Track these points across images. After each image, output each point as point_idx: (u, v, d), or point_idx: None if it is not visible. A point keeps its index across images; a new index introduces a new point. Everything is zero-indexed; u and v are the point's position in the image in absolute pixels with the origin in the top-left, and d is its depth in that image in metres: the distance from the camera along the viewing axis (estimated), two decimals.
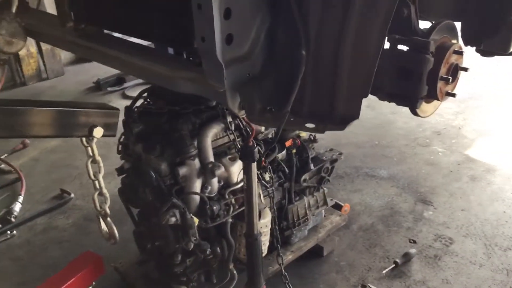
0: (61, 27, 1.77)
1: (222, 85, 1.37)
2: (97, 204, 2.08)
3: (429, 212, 3.32)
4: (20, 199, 3.69)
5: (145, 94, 2.35)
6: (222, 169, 2.12)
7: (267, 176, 2.23)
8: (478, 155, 4.04)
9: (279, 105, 1.45)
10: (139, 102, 2.33)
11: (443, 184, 3.65)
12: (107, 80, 6.06)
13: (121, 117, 2.26)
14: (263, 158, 1.77)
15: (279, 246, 2.49)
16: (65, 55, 6.76)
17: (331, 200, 2.96)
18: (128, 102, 2.38)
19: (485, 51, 2.18)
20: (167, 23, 1.53)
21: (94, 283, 2.59)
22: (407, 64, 1.60)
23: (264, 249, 2.42)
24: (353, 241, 3.08)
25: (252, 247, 1.96)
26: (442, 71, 1.65)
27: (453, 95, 1.75)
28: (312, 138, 2.74)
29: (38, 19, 2.01)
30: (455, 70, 1.73)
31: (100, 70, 6.04)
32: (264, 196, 2.42)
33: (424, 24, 1.73)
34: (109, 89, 6.04)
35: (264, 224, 2.31)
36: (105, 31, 1.84)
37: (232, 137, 2.19)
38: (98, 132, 1.80)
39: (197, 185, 2.11)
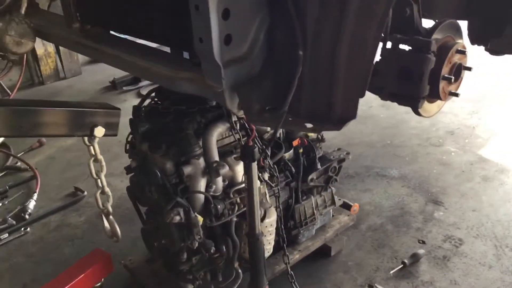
0: (67, 28, 1.81)
1: (220, 85, 1.39)
2: (100, 203, 2.11)
3: (439, 212, 3.30)
4: (35, 196, 3.77)
5: (153, 94, 2.38)
6: (227, 168, 2.13)
7: (266, 176, 2.23)
8: (492, 155, 3.99)
9: (277, 105, 1.46)
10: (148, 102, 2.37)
11: (455, 184, 3.62)
12: (122, 79, 6.14)
13: (129, 116, 2.31)
14: (261, 158, 1.76)
15: (285, 245, 2.51)
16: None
17: (339, 199, 2.95)
18: None
19: (494, 50, 2.16)
20: (167, 24, 1.55)
21: (103, 280, 2.63)
22: (408, 64, 1.59)
23: (270, 248, 2.43)
24: (361, 241, 3.07)
25: (254, 247, 1.97)
26: (445, 71, 1.64)
27: (456, 94, 1.74)
28: (319, 138, 2.74)
29: (47, 20, 2.04)
30: (459, 70, 1.72)
31: (116, 70, 6.01)
32: (270, 196, 2.43)
33: (430, 24, 1.73)
34: (124, 88, 6.12)
35: (269, 223, 2.32)
36: (111, 32, 1.88)
37: (237, 136, 2.20)
38: (99, 131, 1.83)
39: (202, 184, 2.13)
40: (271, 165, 2.34)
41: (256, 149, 1.74)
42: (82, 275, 2.43)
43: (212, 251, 2.17)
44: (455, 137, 4.35)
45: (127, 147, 2.37)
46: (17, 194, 3.88)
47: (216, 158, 2.15)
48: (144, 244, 2.54)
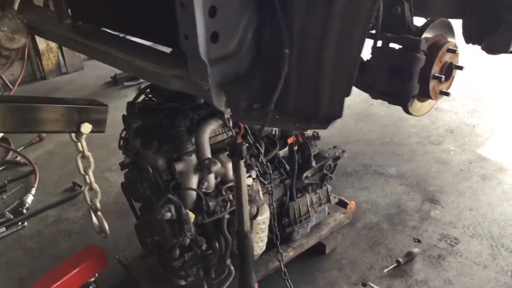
0: (59, 24, 1.81)
1: (207, 83, 1.39)
2: (88, 199, 2.11)
3: (436, 211, 3.29)
4: (33, 191, 3.79)
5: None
6: (219, 165, 2.13)
7: (253, 173, 2.23)
8: (491, 154, 3.97)
9: (265, 104, 1.46)
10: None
11: (453, 183, 3.61)
12: (124, 75, 6.15)
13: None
14: (248, 156, 1.76)
15: (278, 242, 2.51)
16: None
17: (335, 197, 2.94)
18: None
19: (490, 49, 2.15)
20: (155, 21, 1.55)
21: (97, 275, 2.64)
22: (397, 62, 1.58)
23: (262, 245, 2.43)
24: (356, 239, 3.07)
25: (243, 244, 1.97)
26: (435, 70, 1.63)
27: (447, 94, 1.73)
28: (315, 135, 2.74)
29: (40, 16, 2.05)
30: (450, 69, 1.71)
31: None
32: (263, 193, 2.43)
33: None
34: (125, 83, 6.15)
35: (262, 221, 2.32)
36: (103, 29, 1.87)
37: (230, 133, 2.21)
38: (86, 128, 1.83)
39: (194, 181, 2.13)
40: (264, 162, 2.34)
41: (245, 147, 1.74)
42: (76, 270, 2.44)
43: (203, 247, 2.18)
44: (454, 136, 4.33)
45: (121, 143, 2.37)
46: (16, 188, 3.91)
47: (209, 155, 2.15)
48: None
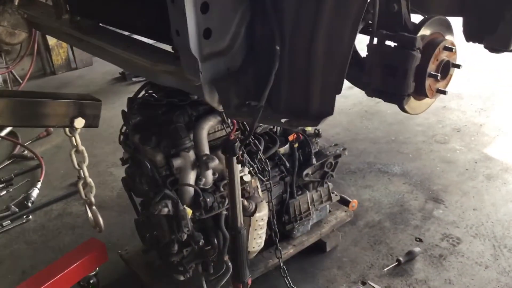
0: (57, 19, 1.82)
1: (198, 79, 1.39)
2: (82, 193, 2.13)
3: (439, 210, 3.26)
4: (39, 185, 3.84)
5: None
6: (216, 161, 2.13)
7: (246, 170, 2.23)
8: (497, 153, 3.93)
9: (257, 100, 1.45)
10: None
11: (457, 182, 3.57)
12: None
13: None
14: (239, 152, 1.76)
15: (277, 239, 2.51)
16: None
17: (336, 195, 2.93)
18: None
19: (491, 47, 2.13)
20: (150, 17, 1.56)
21: (97, 269, 2.67)
22: (392, 60, 1.57)
23: (261, 242, 2.43)
24: (358, 237, 3.06)
25: (235, 240, 1.98)
26: (431, 68, 1.62)
27: (444, 92, 1.71)
28: (316, 132, 2.73)
29: (41, 11, 2.06)
30: (447, 67, 1.69)
31: None
32: (262, 190, 2.43)
33: None
34: (133, 79, 6.18)
35: (260, 218, 2.32)
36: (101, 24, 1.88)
37: (228, 130, 2.21)
38: (79, 122, 1.85)
39: (191, 177, 2.13)
40: (263, 159, 2.34)
41: (237, 144, 1.74)
42: (76, 264, 2.46)
43: (201, 243, 2.18)
44: (461, 135, 4.29)
45: (121, 138, 2.38)
46: (22, 182, 3.96)
47: (206, 151, 2.15)
48: None
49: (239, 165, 1.93)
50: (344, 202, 3.12)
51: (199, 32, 1.34)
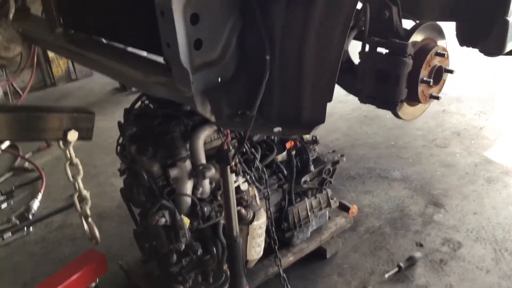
0: (51, 33, 1.83)
1: (189, 90, 1.39)
2: (78, 206, 2.13)
3: (439, 215, 3.25)
4: (39, 196, 3.84)
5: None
6: (213, 170, 2.13)
7: (240, 179, 2.23)
8: (497, 156, 3.92)
9: (249, 110, 1.46)
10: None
11: (458, 186, 3.57)
12: None
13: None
14: (233, 162, 1.77)
15: (276, 247, 2.50)
16: None
17: (335, 201, 2.93)
18: None
19: (486, 51, 2.12)
20: (141, 29, 1.56)
21: (98, 280, 2.67)
22: (384, 67, 1.58)
23: (260, 250, 2.43)
24: (358, 243, 3.05)
25: (231, 248, 1.98)
26: (423, 74, 1.62)
27: (438, 98, 1.71)
28: (313, 139, 2.73)
29: (35, 25, 2.07)
30: (439, 73, 1.69)
31: None
32: (260, 198, 2.43)
33: None
34: (133, 89, 6.18)
35: (258, 226, 2.32)
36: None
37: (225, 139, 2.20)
38: (72, 135, 1.85)
39: (188, 186, 2.14)
40: (260, 168, 2.34)
41: (231, 153, 1.74)
42: (76, 275, 2.47)
43: (199, 253, 2.18)
44: (461, 138, 4.28)
45: (118, 149, 2.39)
46: (23, 194, 3.97)
47: (203, 161, 2.15)
48: None
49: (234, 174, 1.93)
50: (344, 208, 3.12)
51: (189, 43, 1.34)
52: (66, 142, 1.89)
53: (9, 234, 3.42)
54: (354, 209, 3.08)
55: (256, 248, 2.39)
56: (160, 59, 1.63)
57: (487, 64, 5.15)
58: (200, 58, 1.39)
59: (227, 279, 2.37)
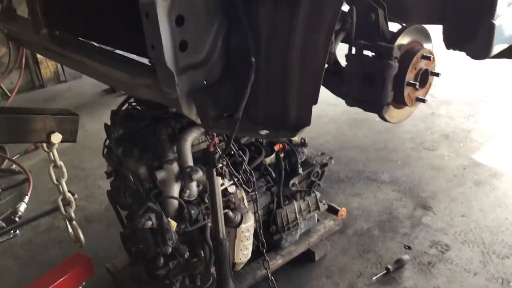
0: (36, 34, 1.81)
1: (174, 92, 1.38)
2: (62, 209, 2.11)
3: (427, 217, 3.26)
4: (26, 199, 3.80)
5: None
6: (200, 173, 2.12)
7: (226, 182, 2.22)
8: (485, 159, 3.94)
9: (235, 112, 1.45)
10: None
11: (446, 189, 3.58)
12: None
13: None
14: (218, 165, 1.76)
15: (264, 250, 2.49)
16: None
17: (324, 204, 2.93)
18: None
19: (473, 55, 2.13)
20: (127, 31, 1.55)
21: (84, 283, 2.64)
22: (370, 70, 1.58)
23: (248, 253, 2.42)
24: (347, 246, 3.05)
25: (218, 251, 1.97)
26: (409, 77, 1.63)
27: (424, 100, 1.72)
28: (302, 142, 2.73)
29: (21, 26, 2.06)
30: (425, 76, 1.69)
31: None
32: (248, 201, 2.42)
33: None
34: (123, 91, 6.15)
35: (246, 228, 2.31)
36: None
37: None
38: (56, 138, 1.83)
39: (175, 189, 2.13)
40: (248, 170, 2.33)
41: (217, 155, 1.73)
42: (61, 279, 2.44)
43: (186, 256, 2.17)
44: (449, 141, 4.30)
45: (105, 152, 2.37)
46: (10, 196, 3.92)
47: (190, 163, 2.14)
48: None
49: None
50: (333, 210, 3.12)
51: (174, 45, 1.33)
52: (50, 144, 1.87)
53: None
54: (343, 211, 3.09)
55: (244, 251, 2.38)
56: (145, 61, 1.63)
57: (477, 66, 5.18)
58: (185, 60, 1.38)
59: (214, 282, 2.36)
